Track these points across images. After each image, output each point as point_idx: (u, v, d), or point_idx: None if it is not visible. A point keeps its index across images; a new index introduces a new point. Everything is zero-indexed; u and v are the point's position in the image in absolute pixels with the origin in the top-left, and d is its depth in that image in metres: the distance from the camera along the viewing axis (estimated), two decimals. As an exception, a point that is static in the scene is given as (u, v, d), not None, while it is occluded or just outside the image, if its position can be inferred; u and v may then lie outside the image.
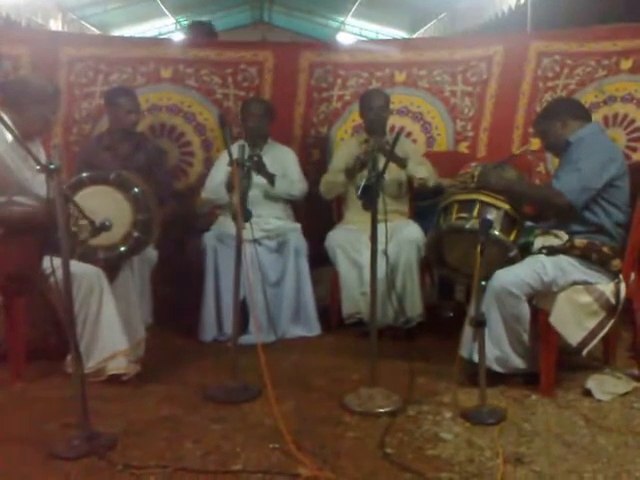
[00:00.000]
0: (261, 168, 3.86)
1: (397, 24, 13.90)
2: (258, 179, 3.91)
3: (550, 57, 4.54)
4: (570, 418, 2.83)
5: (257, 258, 3.75)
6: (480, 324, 2.83)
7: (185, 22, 15.30)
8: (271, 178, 4.01)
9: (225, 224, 4.01)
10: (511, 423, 2.77)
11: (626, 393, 3.06)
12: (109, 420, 2.75)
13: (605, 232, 3.14)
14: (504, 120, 4.68)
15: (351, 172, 4.03)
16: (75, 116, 4.41)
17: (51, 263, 2.67)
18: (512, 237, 3.14)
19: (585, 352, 3.04)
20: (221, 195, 4.02)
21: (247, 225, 3.16)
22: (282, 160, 4.24)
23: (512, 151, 4.51)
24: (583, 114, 3.33)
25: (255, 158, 3.61)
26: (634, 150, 4.53)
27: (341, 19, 15.29)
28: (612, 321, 3.06)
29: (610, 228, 3.14)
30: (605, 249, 3.09)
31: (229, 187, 3.89)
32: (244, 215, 3.13)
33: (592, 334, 3.02)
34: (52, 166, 2.42)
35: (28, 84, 3.22)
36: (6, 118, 2.99)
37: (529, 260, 3.10)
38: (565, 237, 3.14)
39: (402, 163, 4.01)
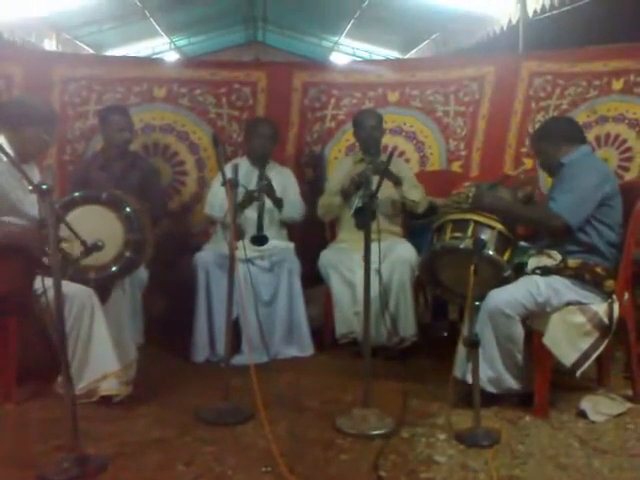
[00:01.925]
0: (270, 192, 3.86)
1: (390, 44, 13.97)
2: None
3: (542, 77, 4.58)
4: (564, 440, 2.81)
5: (250, 278, 3.73)
6: (474, 344, 2.82)
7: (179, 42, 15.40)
8: (279, 203, 4.01)
9: (218, 243, 4.00)
10: (505, 445, 2.75)
11: (620, 414, 3.05)
12: (100, 442, 2.72)
13: (598, 252, 3.14)
14: (496, 139, 4.71)
15: (346, 193, 4.04)
16: (68, 136, 4.41)
17: (42, 283, 2.65)
18: (506, 257, 3.14)
19: (579, 373, 3.03)
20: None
21: (240, 245, 3.16)
22: (282, 181, 4.23)
23: (504, 170, 4.53)
24: (577, 136, 3.34)
25: (265, 182, 3.61)
26: (626, 170, 4.55)
27: (334, 39, 15.36)
28: (605, 341, 3.05)
29: (602, 248, 3.14)
30: (598, 269, 3.10)
31: (242, 205, 3.84)
32: (261, 241, 3.12)
33: (586, 355, 3.01)
34: (44, 186, 2.41)
35: (26, 106, 3.21)
36: (2, 139, 3.00)
37: (523, 280, 3.09)
38: (558, 257, 3.14)
39: (397, 181, 4.01)
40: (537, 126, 3.88)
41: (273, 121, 4.36)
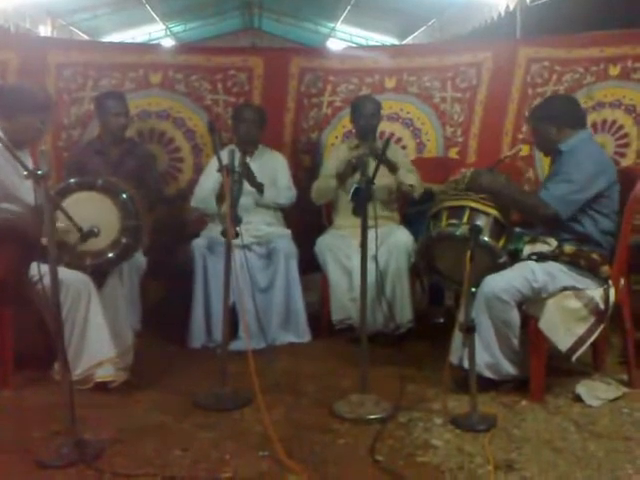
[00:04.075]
0: (250, 177, 3.86)
1: (387, 30, 13.95)
2: (249, 186, 3.91)
3: (539, 63, 4.57)
4: (560, 424, 2.83)
5: (247, 264, 3.73)
6: (470, 330, 2.82)
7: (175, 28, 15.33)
8: (259, 187, 4.00)
9: (214, 230, 3.99)
10: (501, 429, 2.77)
11: (616, 399, 3.06)
12: (97, 428, 2.72)
13: (593, 240, 3.14)
14: (493, 126, 4.69)
15: (343, 176, 4.03)
16: (64, 122, 4.38)
17: (38, 270, 2.65)
18: (501, 243, 3.14)
19: (575, 358, 3.04)
20: (210, 205, 4.00)
21: (237, 231, 3.15)
22: (272, 166, 4.23)
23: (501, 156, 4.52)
24: (579, 120, 3.29)
25: (244, 169, 3.59)
26: (622, 156, 4.56)
27: (331, 25, 15.32)
28: (601, 327, 3.06)
29: (598, 236, 3.14)
30: (594, 255, 3.10)
31: (219, 197, 3.85)
32: (234, 221, 3.11)
33: (581, 340, 3.02)
34: (39, 172, 2.40)
35: (20, 93, 3.18)
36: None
37: (518, 266, 3.10)
38: (554, 244, 3.15)
39: (394, 167, 4.01)
40: (543, 101, 3.68)
41: (258, 105, 4.35)
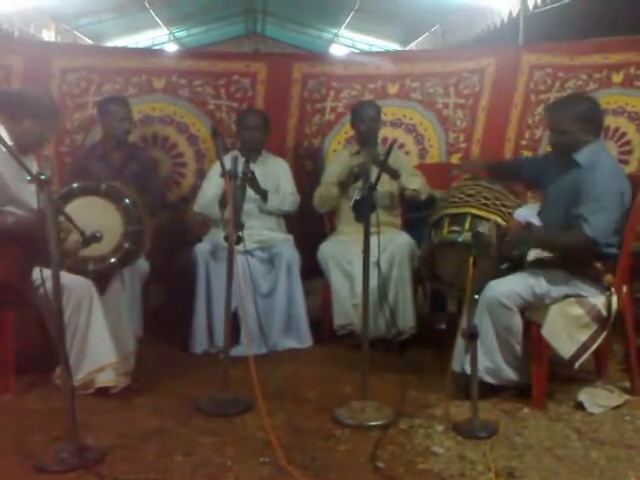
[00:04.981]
0: (254, 185, 3.86)
1: (390, 36, 13.94)
2: (253, 193, 3.92)
3: (542, 70, 4.57)
4: (562, 431, 2.82)
5: (249, 269, 3.73)
6: (472, 337, 2.82)
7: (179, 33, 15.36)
8: (264, 194, 4.01)
9: (217, 235, 4.00)
10: (503, 437, 2.76)
11: (618, 406, 3.06)
12: (98, 433, 2.73)
13: (599, 253, 3.11)
14: (496, 132, 4.70)
15: (345, 184, 4.04)
16: (67, 126, 4.38)
17: (41, 274, 2.65)
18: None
19: (577, 365, 3.04)
20: (213, 210, 4.00)
21: (239, 236, 3.14)
22: (275, 172, 4.24)
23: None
24: (600, 128, 3.18)
25: (249, 175, 3.60)
26: (625, 163, 4.56)
27: (334, 31, 15.32)
28: (604, 334, 3.06)
29: (604, 250, 3.11)
30: (598, 264, 3.08)
31: (222, 202, 3.85)
32: (237, 226, 3.10)
33: (584, 347, 3.02)
34: (43, 177, 2.40)
35: (25, 97, 3.18)
36: (1, 129, 2.99)
37: (522, 272, 3.09)
38: (557, 250, 3.14)
39: (395, 174, 4.01)
40: (570, 98, 3.52)
41: (262, 111, 4.35)
